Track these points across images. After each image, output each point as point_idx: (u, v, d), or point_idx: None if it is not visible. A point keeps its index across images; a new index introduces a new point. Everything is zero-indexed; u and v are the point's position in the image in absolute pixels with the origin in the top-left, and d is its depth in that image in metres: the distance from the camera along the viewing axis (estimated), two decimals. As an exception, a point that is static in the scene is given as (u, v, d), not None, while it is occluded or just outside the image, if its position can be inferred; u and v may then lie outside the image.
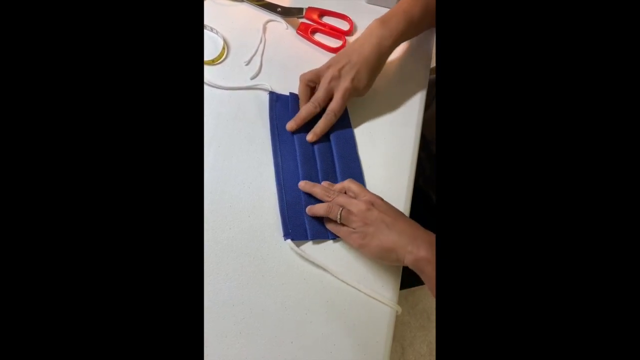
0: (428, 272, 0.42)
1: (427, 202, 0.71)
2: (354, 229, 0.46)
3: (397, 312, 0.47)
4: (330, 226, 0.49)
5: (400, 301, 0.48)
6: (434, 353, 1.24)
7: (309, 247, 0.49)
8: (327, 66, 0.55)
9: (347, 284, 0.48)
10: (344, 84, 0.53)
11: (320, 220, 0.50)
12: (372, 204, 0.46)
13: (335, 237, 0.49)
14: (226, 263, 0.47)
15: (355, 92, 0.55)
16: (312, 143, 0.55)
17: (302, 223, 0.50)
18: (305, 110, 0.54)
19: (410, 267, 0.44)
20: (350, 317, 0.47)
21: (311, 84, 0.56)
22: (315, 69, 0.56)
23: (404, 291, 1.34)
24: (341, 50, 0.56)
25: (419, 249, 0.42)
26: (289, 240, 0.48)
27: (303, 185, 0.51)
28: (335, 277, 0.48)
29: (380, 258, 0.46)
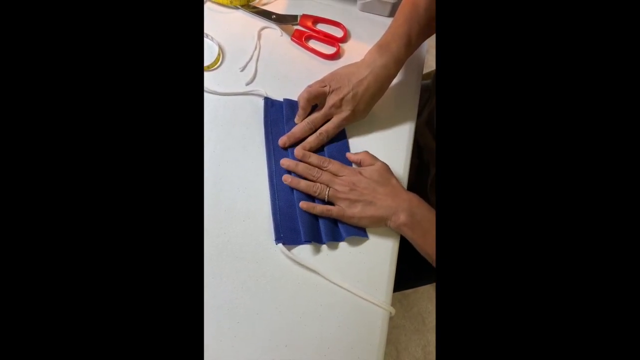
0: (408, 234, 0.50)
1: None
2: (343, 207, 0.50)
3: (390, 313, 0.48)
4: (320, 208, 0.50)
5: (395, 305, 0.49)
6: (428, 357, 1.24)
7: (301, 250, 0.50)
8: (330, 90, 0.55)
9: (340, 286, 0.48)
10: (344, 114, 0.55)
11: (313, 224, 0.50)
12: (354, 183, 0.50)
13: (328, 241, 0.50)
14: (221, 267, 0.48)
15: (353, 120, 0.56)
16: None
17: (294, 227, 0.50)
18: (300, 129, 0.55)
19: (395, 230, 0.51)
20: (344, 320, 0.47)
21: (314, 102, 0.56)
22: (321, 88, 0.55)
23: (398, 294, 1.34)
24: (343, 72, 0.56)
25: (399, 217, 0.49)
26: (280, 244, 0.49)
27: (287, 163, 0.52)
28: (328, 280, 0.48)
29: (370, 227, 0.52)
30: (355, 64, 0.56)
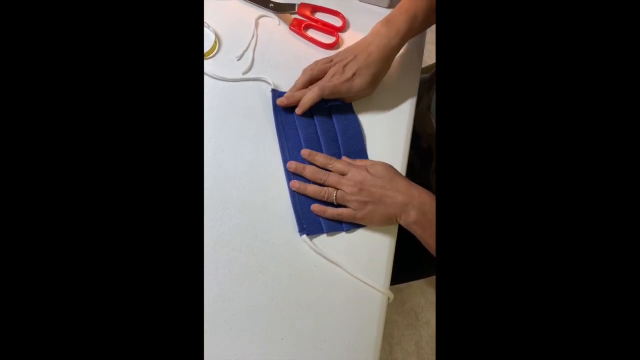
0: (418, 232, 0.48)
1: None
2: (353, 209, 0.49)
3: (389, 299, 0.48)
4: (330, 212, 0.49)
5: (388, 299, 0.48)
6: (421, 352, 1.24)
7: (300, 241, 0.49)
8: (330, 60, 0.56)
9: (342, 268, 0.48)
10: (345, 76, 0.54)
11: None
12: (362, 182, 0.49)
13: (349, 228, 0.50)
14: (216, 259, 0.47)
15: (354, 87, 0.54)
16: (318, 138, 0.54)
17: (316, 217, 0.50)
18: (300, 91, 0.55)
19: (405, 227, 0.50)
20: (340, 312, 0.47)
21: (318, 76, 0.56)
22: (321, 65, 0.56)
23: (392, 289, 1.34)
24: (347, 47, 0.57)
25: (409, 215, 0.48)
26: (304, 236, 0.49)
27: (294, 166, 0.51)
28: (335, 264, 0.48)
29: (381, 226, 0.51)
30: (361, 39, 0.57)
